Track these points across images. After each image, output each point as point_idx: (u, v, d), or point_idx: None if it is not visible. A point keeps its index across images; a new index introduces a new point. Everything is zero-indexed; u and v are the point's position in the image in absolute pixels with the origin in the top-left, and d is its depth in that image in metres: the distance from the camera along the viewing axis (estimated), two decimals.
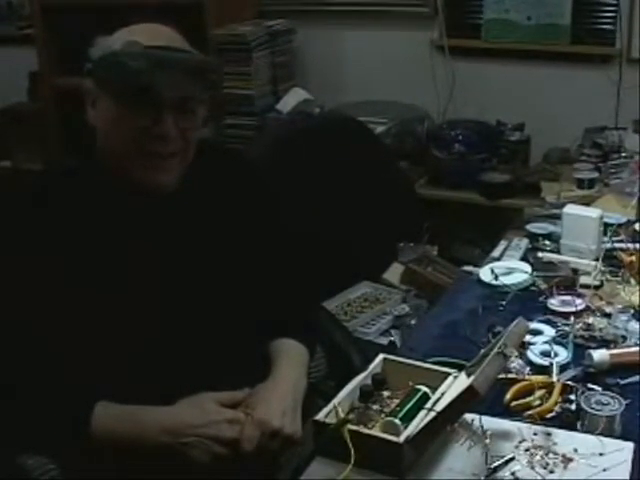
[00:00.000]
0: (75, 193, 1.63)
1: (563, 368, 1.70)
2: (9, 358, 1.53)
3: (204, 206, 1.73)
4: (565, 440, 1.49)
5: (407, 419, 1.47)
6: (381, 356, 1.68)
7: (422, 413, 1.47)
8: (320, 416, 1.50)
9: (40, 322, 1.53)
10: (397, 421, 1.46)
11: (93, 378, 1.53)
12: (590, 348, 1.76)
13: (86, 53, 1.63)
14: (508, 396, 1.61)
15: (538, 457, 1.45)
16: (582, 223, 2.20)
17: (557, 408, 1.58)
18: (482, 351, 1.59)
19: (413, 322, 2.64)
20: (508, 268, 2.17)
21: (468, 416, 1.52)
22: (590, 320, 1.88)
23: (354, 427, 1.46)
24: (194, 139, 1.65)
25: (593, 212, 2.23)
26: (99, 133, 1.64)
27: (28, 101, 4.60)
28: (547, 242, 2.31)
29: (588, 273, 2.09)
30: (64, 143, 4.17)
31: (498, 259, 2.28)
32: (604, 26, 3.70)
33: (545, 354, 1.75)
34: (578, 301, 1.96)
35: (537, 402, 1.59)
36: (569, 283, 2.06)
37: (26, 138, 4.49)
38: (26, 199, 1.64)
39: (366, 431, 1.47)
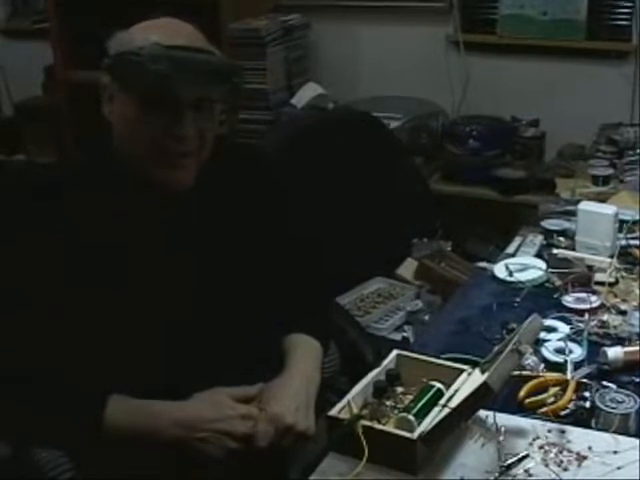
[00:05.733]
0: (90, 188, 1.63)
1: (577, 365, 1.70)
2: (23, 352, 1.53)
3: (219, 202, 1.72)
4: (579, 438, 1.49)
5: (421, 415, 1.46)
6: (395, 352, 1.68)
7: (436, 409, 1.47)
8: (334, 412, 1.50)
9: (54, 317, 1.53)
10: (411, 417, 1.46)
11: (106, 372, 1.53)
12: (605, 345, 1.75)
13: (103, 48, 1.63)
14: (522, 393, 1.60)
15: (552, 455, 1.45)
16: (597, 220, 2.19)
17: (571, 405, 1.57)
18: (496, 348, 1.58)
19: (426, 318, 2.64)
20: (523, 264, 2.16)
21: (482, 413, 1.52)
22: (605, 317, 1.87)
23: (368, 423, 1.46)
24: (210, 138, 1.64)
25: (608, 209, 2.22)
26: (115, 129, 1.63)
27: (43, 95, 4.61)
28: (562, 239, 2.30)
29: (603, 270, 2.08)
30: (78, 137, 4.17)
31: (513, 255, 2.27)
32: (620, 22, 3.68)
33: (559, 351, 1.74)
34: (593, 298, 1.95)
35: (551, 399, 1.58)
36: (584, 280, 2.05)
37: (41, 132, 4.50)
38: (41, 193, 1.64)
39: (380, 427, 1.47)
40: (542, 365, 1.69)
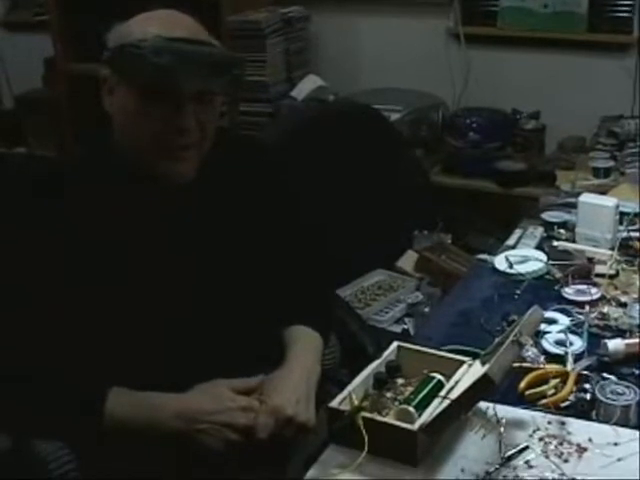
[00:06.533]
0: (90, 183, 1.63)
1: (578, 357, 1.70)
2: (24, 345, 1.53)
3: (221, 195, 1.72)
4: (580, 429, 1.49)
5: (421, 407, 1.46)
6: (395, 343, 1.67)
7: (436, 401, 1.47)
8: (334, 403, 1.50)
9: (54, 312, 1.53)
10: (411, 409, 1.46)
11: (107, 368, 1.53)
12: (605, 337, 1.75)
13: (103, 40, 1.62)
14: (522, 385, 1.60)
15: (552, 446, 1.45)
16: (598, 212, 2.19)
17: (572, 397, 1.57)
18: (497, 339, 1.58)
19: (427, 310, 2.65)
20: (523, 256, 2.16)
21: (482, 404, 1.52)
22: (605, 309, 1.87)
23: (368, 414, 1.46)
24: (211, 130, 1.64)
25: (609, 201, 2.22)
26: (115, 121, 1.63)
27: (43, 87, 4.61)
28: (562, 231, 2.30)
29: (603, 262, 2.08)
30: (79, 130, 4.17)
31: (513, 247, 2.26)
32: (621, 14, 3.67)
33: (560, 343, 1.74)
34: (593, 290, 1.95)
35: (551, 391, 1.58)
36: (584, 272, 2.05)
37: (41, 124, 4.50)
38: (41, 189, 1.64)
39: (380, 419, 1.47)
40: (542, 357, 1.68)
